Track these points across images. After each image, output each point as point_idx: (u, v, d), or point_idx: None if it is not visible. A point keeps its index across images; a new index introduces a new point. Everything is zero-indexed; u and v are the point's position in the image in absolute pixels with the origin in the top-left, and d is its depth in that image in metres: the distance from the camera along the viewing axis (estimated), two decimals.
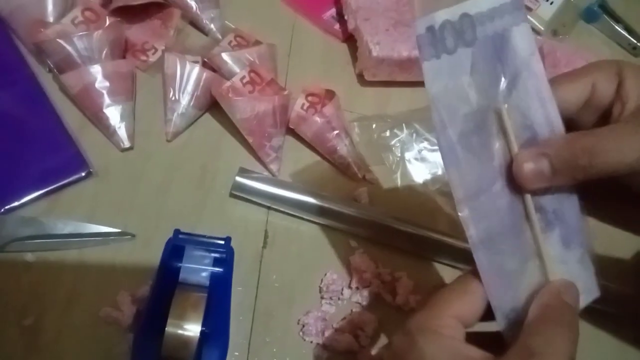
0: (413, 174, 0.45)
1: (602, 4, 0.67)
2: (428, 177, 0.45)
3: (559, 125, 0.25)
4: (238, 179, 0.39)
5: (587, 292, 0.26)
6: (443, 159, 0.23)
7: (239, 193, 0.40)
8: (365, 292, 0.39)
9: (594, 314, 0.41)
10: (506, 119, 0.24)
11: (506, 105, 0.24)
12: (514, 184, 0.24)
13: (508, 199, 0.24)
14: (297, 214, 0.41)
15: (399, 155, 0.46)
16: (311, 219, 0.41)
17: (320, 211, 0.40)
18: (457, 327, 0.23)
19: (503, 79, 0.24)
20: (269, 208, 0.41)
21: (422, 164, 0.46)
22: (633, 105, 0.25)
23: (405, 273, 0.39)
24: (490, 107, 0.24)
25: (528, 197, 0.24)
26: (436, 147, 0.47)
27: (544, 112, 0.25)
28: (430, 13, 0.23)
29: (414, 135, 0.47)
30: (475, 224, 0.23)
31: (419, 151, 0.47)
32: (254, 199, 0.40)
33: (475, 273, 0.24)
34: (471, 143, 0.23)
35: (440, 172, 0.45)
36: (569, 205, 0.26)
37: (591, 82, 0.26)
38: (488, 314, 0.24)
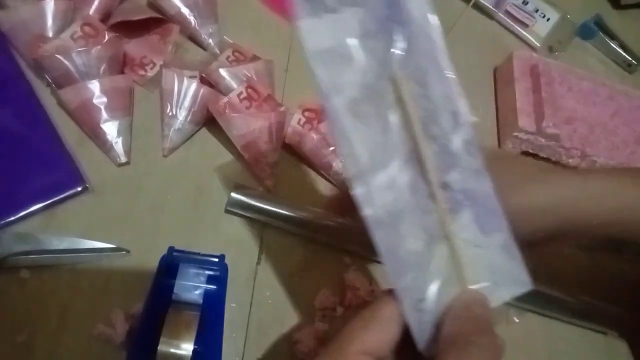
0: None
1: (598, 21, 0.68)
2: None
3: (459, 102, 0.23)
4: (233, 195, 0.39)
5: (516, 283, 0.24)
6: (330, 129, 0.21)
7: (234, 209, 0.40)
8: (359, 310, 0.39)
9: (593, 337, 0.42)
10: (403, 87, 0.22)
11: (402, 73, 0.22)
12: (416, 159, 0.22)
13: (410, 176, 0.22)
14: (291, 230, 0.41)
15: None
16: (305, 234, 0.41)
17: (314, 227, 0.40)
18: None
19: (398, 44, 0.22)
20: (263, 225, 0.41)
21: None
22: None
23: None
24: (385, 74, 0.22)
25: (433, 175, 0.22)
26: None
27: (440, 82, 0.23)
28: None
29: None
30: (372, 203, 0.21)
31: None
32: (248, 215, 0.40)
33: (389, 293, 0.22)
34: (363, 112, 0.21)
35: None
36: (480, 185, 0.23)
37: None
38: (407, 339, 0.22)
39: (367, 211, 0.21)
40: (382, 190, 0.21)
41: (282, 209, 0.40)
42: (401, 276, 0.22)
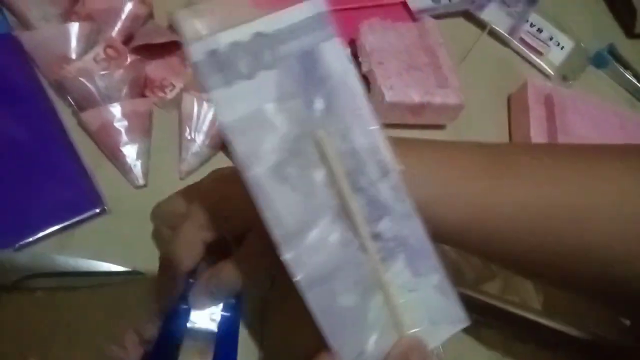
0: None
1: (611, 49, 0.68)
2: None
3: (383, 152, 0.23)
4: None
5: (452, 320, 0.24)
6: (254, 198, 0.20)
7: None
8: None
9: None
10: (326, 145, 0.22)
11: (324, 131, 0.22)
12: (344, 215, 0.22)
13: (340, 232, 0.22)
14: None
15: None
16: None
17: None
18: None
19: (317, 101, 0.22)
20: None
21: None
22: None
23: None
24: (306, 134, 0.22)
25: (362, 227, 0.22)
26: None
27: (364, 134, 0.22)
28: (207, 37, 0.20)
29: None
30: (303, 266, 0.21)
31: None
32: None
33: (328, 351, 0.21)
34: (287, 175, 0.21)
35: None
36: (412, 228, 0.23)
37: None
38: None
39: (299, 276, 0.21)
40: (312, 251, 0.21)
41: None
42: (338, 334, 0.22)
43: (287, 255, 0.21)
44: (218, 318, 0.34)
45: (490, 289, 0.41)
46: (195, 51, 0.20)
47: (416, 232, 0.24)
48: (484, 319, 0.39)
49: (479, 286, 0.41)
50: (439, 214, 0.26)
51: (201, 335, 0.32)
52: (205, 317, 0.34)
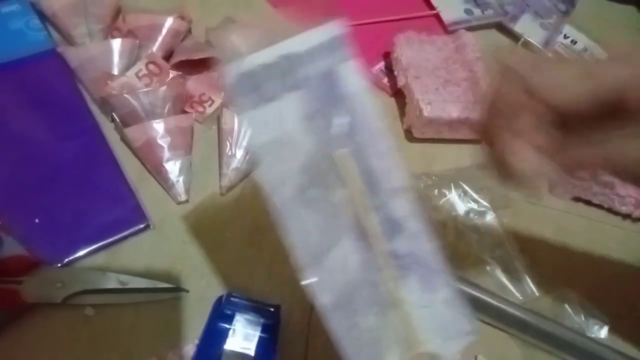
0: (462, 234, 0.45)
1: None
2: (477, 239, 0.45)
3: (397, 171, 0.23)
4: None
5: (462, 333, 0.24)
6: (280, 222, 0.21)
7: None
8: None
9: None
10: (348, 165, 0.22)
11: (345, 150, 0.22)
12: (362, 234, 0.22)
13: (358, 252, 0.22)
14: None
15: (447, 215, 0.46)
16: None
17: None
18: None
19: (337, 122, 0.22)
20: None
21: (470, 225, 0.46)
22: None
23: None
24: (327, 154, 0.22)
25: (380, 245, 0.22)
26: (484, 209, 0.48)
27: (379, 153, 0.23)
28: (240, 58, 0.20)
29: (462, 195, 0.47)
30: (327, 290, 0.21)
31: (467, 212, 0.47)
32: None
33: None
34: (310, 197, 0.21)
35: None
36: (423, 245, 0.24)
37: None
38: None
39: (324, 299, 0.21)
40: (334, 274, 0.22)
41: None
42: (357, 355, 0.22)
43: (313, 280, 0.21)
44: (256, 339, 0.34)
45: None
46: (229, 73, 0.20)
47: (427, 248, 0.24)
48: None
49: None
50: None
51: (238, 357, 0.32)
52: (243, 339, 0.34)
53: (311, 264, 0.21)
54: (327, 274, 0.21)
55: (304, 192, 0.21)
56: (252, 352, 0.33)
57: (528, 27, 0.63)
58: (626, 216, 0.51)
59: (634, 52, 0.23)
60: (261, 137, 0.20)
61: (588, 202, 0.51)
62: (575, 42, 0.64)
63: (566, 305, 0.42)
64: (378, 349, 0.22)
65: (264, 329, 0.34)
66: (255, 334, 0.34)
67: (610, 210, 0.51)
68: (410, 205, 0.24)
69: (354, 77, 0.23)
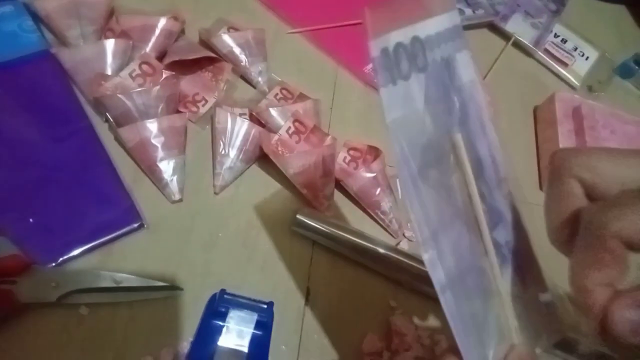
0: None
1: (637, 59, 0.68)
2: None
3: (500, 159, 0.24)
4: (299, 216, 0.41)
5: (552, 331, 0.25)
6: (405, 195, 0.21)
7: (299, 229, 0.42)
8: (405, 356, 0.39)
9: None
10: (462, 150, 0.23)
11: (460, 135, 0.23)
12: (473, 219, 0.23)
13: (468, 237, 0.23)
14: (346, 254, 0.42)
15: None
16: (364, 262, 0.42)
17: (376, 256, 0.41)
18: None
19: (454, 107, 0.23)
20: (310, 263, 0.41)
21: None
22: None
23: (444, 336, 0.40)
24: (445, 137, 0.23)
25: (487, 234, 0.23)
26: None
27: (487, 143, 0.24)
28: (382, 34, 0.21)
29: None
30: (442, 266, 0.22)
31: None
32: (310, 236, 0.42)
33: (455, 354, 0.22)
34: (431, 176, 0.22)
35: None
36: (521, 237, 0.24)
37: None
38: None
39: (438, 275, 0.21)
40: (447, 253, 0.22)
41: (343, 231, 0.42)
42: (466, 338, 0.22)
43: (430, 254, 0.21)
44: (249, 336, 0.34)
45: None
46: (373, 47, 0.21)
47: (525, 241, 0.25)
48: None
49: None
50: None
51: (231, 354, 0.33)
52: (237, 335, 0.34)
53: (429, 238, 0.22)
54: (442, 252, 0.22)
55: (426, 170, 0.22)
56: (245, 349, 0.33)
57: (519, 27, 0.64)
58: None
59: None
60: (395, 112, 0.21)
61: None
62: (566, 41, 0.65)
63: None
64: (483, 335, 0.23)
65: (258, 326, 0.34)
66: (248, 330, 0.34)
67: None
68: (509, 197, 0.24)
69: (469, 67, 0.23)
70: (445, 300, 0.22)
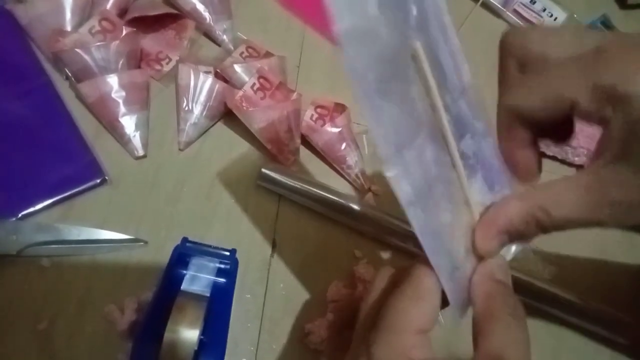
0: None
1: (604, 21, 0.68)
2: None
3: (464, 69, 0.23)
4: (264, 170, 0.41)
5: None
6: (364, 111, 0.20)
7: (264, 184, 0.42)
8: None
9: (591, 335, 0.43)
10: (423, 58, 0.21)
11: (419, 43, 0.21)
12: (436, 130, 0.22)
13: (433, 149, 0.22)
14: (311, 207, 0.42)
15: None
16: (330, 215, 0.42)
17: (341, 208, 0.42)
18: (423, 344, 0.21)
19: (412, 13, 0.21)
20: (277, 216, 0.42)
21: None
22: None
23: None
24: (403, 46, 0.21)
25: (453, 144, 0.23)
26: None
27: (448, 49, 0.23)
28: None
29: None
30: (406, 182, 0.21)
31: None
32: (276, 190, 0.42)
33: (423, 264, 0.22)
34: (390, 90, 0.20)
35: None
36: (487, 146, 0.24)
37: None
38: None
39: (404, 191, 0.21)
40: (412, 168, 0.21)
41: (309, 184, 0.42)
42: (436, 250, 0.22)
43: (393, 172, 0.20)
44: (212, 282, 0.34)
45: None
46: None
47: (491, 149, 0.24)
48: None
49: None
50: None
51: (194, 298, 0.33)
52: (199, 282, 0.34)
53: (392, 155, 0.20)
54: (406, 167, 0.21)
55: (384, 84, 0.20)
56: (207, 294, 0.34)
57: None
58: (579, 167, 0.53)
59: None
60: (345, 20, 0.19)
61: (542, 154, 0.53)
62: (535, 2, 0.65)
63: None
64: (453, 247, 0.23)
65: (220, 273, 0.35)
66: (211, 277, 0.34)
67: (564, 162, 0.53)
68: (474, 105, 0.24)
69: None
70: (413, 215, 0.21)
